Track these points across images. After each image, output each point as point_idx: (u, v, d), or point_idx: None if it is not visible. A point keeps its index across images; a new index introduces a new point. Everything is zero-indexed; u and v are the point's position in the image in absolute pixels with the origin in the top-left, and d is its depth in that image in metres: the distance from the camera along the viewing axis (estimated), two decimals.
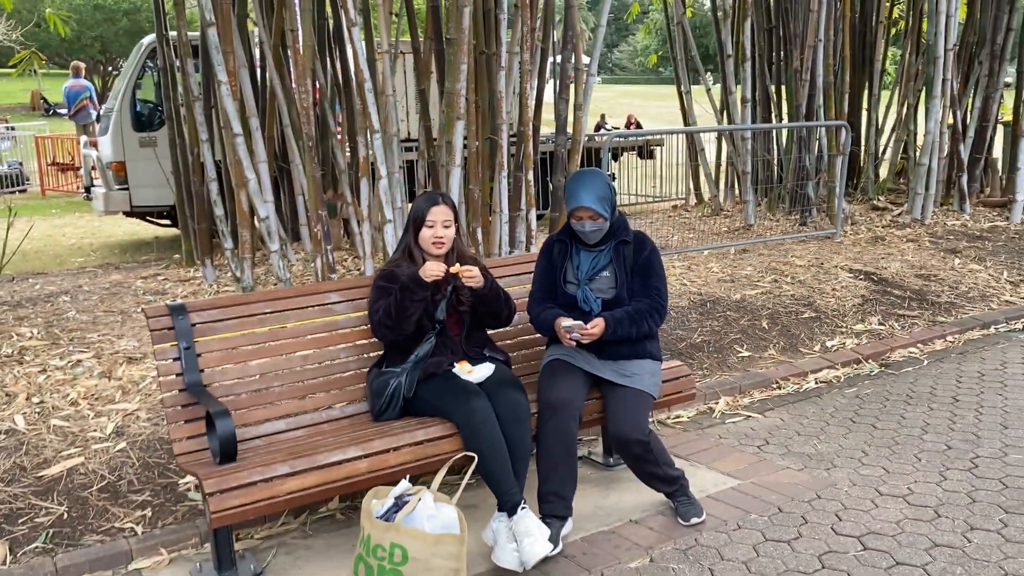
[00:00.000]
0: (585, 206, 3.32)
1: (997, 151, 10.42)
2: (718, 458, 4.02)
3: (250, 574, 3.11)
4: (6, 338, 5.33)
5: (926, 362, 5.41)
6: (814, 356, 5.41)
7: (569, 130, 6.48)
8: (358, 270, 7.13)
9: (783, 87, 9.72)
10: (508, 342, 3.79)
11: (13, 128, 18.86)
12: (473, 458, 2.99)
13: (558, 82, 6.94)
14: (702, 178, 10.88)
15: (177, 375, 3.17)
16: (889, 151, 10.85)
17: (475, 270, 3.33)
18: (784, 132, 9.49)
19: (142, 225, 11.26)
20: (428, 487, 2.86)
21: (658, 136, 12.11)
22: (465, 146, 6.00)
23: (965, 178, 9.17)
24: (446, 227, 3.44)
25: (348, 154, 7.89)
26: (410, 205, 7.21)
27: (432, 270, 3.28)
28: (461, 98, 5.74)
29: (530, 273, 3.91)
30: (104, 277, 7.73)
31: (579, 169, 3.56)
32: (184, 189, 7.61)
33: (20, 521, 3.44)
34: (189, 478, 3.73)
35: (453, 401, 3.16)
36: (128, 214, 9.80)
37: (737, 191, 10.48)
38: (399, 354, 3.39)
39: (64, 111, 26.66)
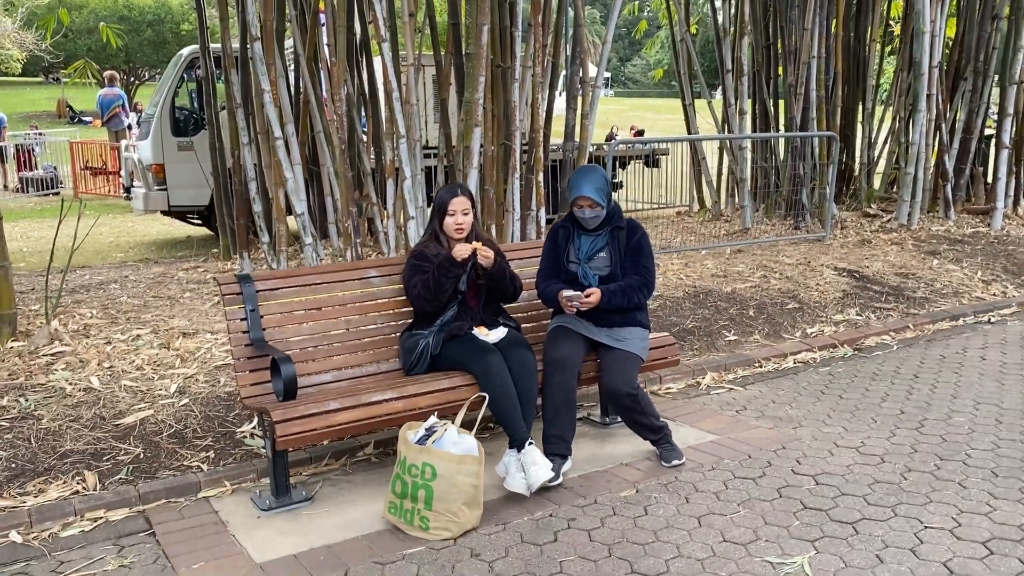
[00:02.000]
0: (585, 195, 3.94)
1: (991, 162, 10.98)
2: (701, 419, 4.63)
3: (302, 498, 3.72)
4: (71, 316, 5.98)
5: (895, 347, 6.00)
6: (794, 341, 6.00)
7: (576, 138, 7.11)
8: None
9: (781, 101, 10.33)
10: (519, 314, 4.40)
11: (42, 134, 19.66)
12: (485, 398, 3.61)
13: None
14: (704, 185, 11.50)
15: (244, 332, 3.80)
16: (883, 162, 11.44)
17: (490, 252, 3.95)
18: (781, 143, 10.09)
19: (174, 225, 11.96)
20: (452, 421, 3.47)
21: (663, 146, 12.74)
22: (481, 151, 6.64)
23: (950, 187, 9.75)
24: (465, 215, 4.06)
25: (372, 158, 8.55)
26: (430, 205, 7.92)
27: (461, 251, 3.90)
28: (479, 107, 6.38)
29: (538, 257, 4.54)
30: (147, 270, 8.39)
31: (581, 165, 4.19)
32: (223, 189, 8.28)
33: (104, 458, 4.07)
34: (245, 427, 4.36)
35: (473, 357, 3.78)
36: (166, 213, 10.49)
37: (736, 197, 11.09)
38: (426, 320, 4.01)
39: (88, 119, 27.56)
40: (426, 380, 3.76)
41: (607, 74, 35.78)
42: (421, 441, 3.37)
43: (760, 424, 4.54)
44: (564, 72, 8.15)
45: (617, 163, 12.71)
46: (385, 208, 7.23)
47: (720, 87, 10.56)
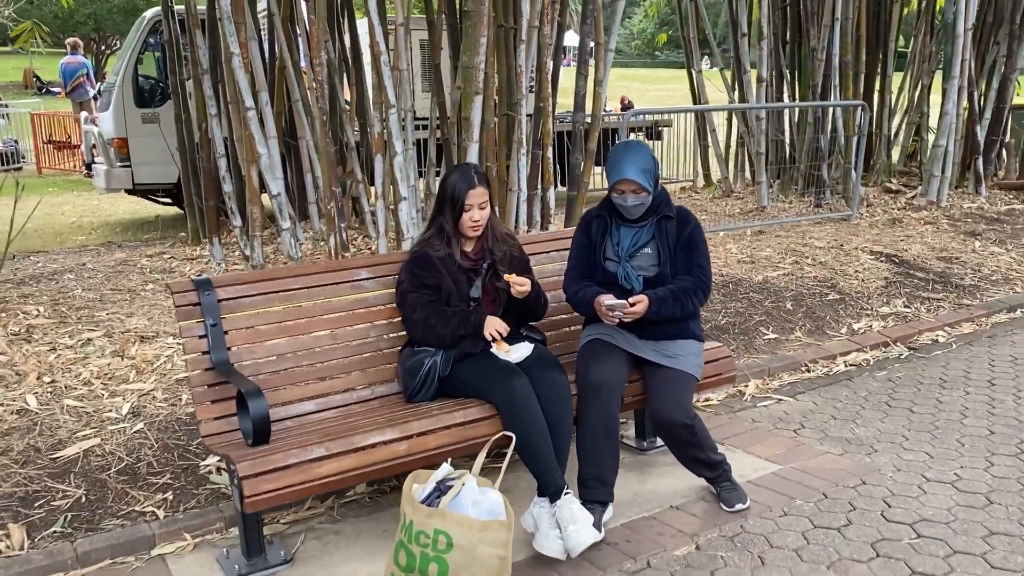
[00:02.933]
0: (628, 178, 3.18)
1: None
2: (754, 442, 3.91)
3: (280, 560, 2.98)
4: (12, 316, 5.18)
5: (955, 345, 5.30)
6: (841, 339, 5.29)
7: (588, 108, 6.33)
8: (370, 249, 6.98)
9: (796, 67, 9.55)
10: (542, 321, 3.64)
11: (6, 105, 18.57)
12: (511, 438, 2.87)
13: (575, 58, 6.79)
14: (711, 159, 10.75)
15: (203, 353, 3.03)
16: (900, 133, 10.71)
17: (527, 283, 3.23)
18: (795, 113, 9.33)
19: (142, 204, 11.07)
20: (471, 471, 2.73)
21: (666, 117, 11.96)
22: (481, 122, 5.84)
23: (981, 160, 9.04)
24: (483, 209, 3.30)
25: (356, 130, 7.74)
26: (422, 182, 7.13)
27: (494, 328, 3.17)
28: (480, 72, 5.58)
29: (564, 250, 3.78)
30: (108, 255, 7.58)
31: (622, 141, 3.40)
32: (190, 166, 7.45)
33: (37, 504, 3.31)
34: (211, 460, 3.60)
35: (492, 381, 3.03)
36: (130, 192, 9.61)
37: (748, 172, 10.35)
38: None
39: (58, 89, 26.30)
40: (435, 412, 3.00)
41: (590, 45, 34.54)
42: (431, 500, 2.63)
43: (826, 449, 3.83)
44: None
45: (617, 136, 11.91)
46: (372, 186, 6.46)
47: (710, 55, 9.84)
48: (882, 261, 6.57)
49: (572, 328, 3.72)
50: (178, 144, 7.52)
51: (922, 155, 10.14)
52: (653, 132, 12.05)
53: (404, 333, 3.40)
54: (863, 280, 6.14)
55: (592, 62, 6.32)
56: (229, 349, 3.07)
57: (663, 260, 3.27)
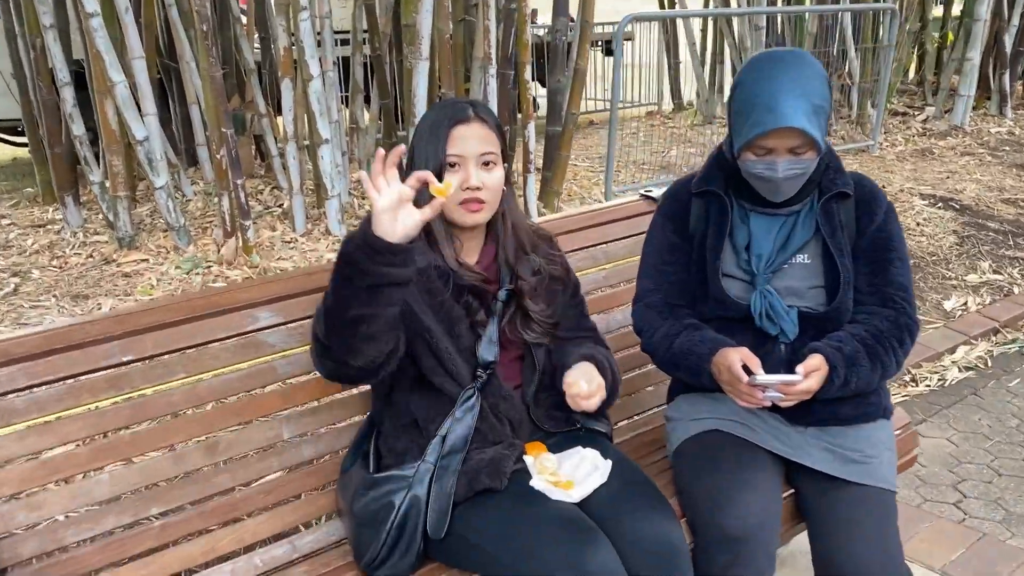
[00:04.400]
0: (789, 126, 1.60)
1: None
2: (910, 531, 2.48)
3: None
4: None
5: None
6: (937, 326, 3.91)
7: (575, 11, 4.71)
8: (280, 206, 5.27)
9: None
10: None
11: None
12: None
13: None
14: (684, 79, 9.25)
15: None
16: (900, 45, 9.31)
17: (592, 386, 1.62)
18: (785, 21, 7.80)
19: None
20: None
21: (628, 28, 10.33)
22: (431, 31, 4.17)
23: (1008, 76, 7.72)
24: (487, 168, 1.68)
25: (258, 47, 5.94)
26: (346, 113, 5.43)
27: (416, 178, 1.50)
28: None
29: (615, 242, 2.23)
30: None
31: (764, 51, 1.75)
32: (34, 97, 5.57)
33: None
34: None
35: (541, 556, 1.48)
36: None
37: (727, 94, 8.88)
38: (407, 432, 1.67)
39: None
40: None
41: None
42: None
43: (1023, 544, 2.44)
44: None
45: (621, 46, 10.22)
46: (280, 116, 4.80)
47: None
48: (940, 208, 5.20)
49: (630, 376, 2.18)
50: (14, 69, 5.60)
51: (926, 70, 8.79)
52: (611, 48, 10.41)
53: (346, 423, 1.82)
54: (931, 237, 4.76)
55: None
56: None
57: (842, 281, 1.74)
